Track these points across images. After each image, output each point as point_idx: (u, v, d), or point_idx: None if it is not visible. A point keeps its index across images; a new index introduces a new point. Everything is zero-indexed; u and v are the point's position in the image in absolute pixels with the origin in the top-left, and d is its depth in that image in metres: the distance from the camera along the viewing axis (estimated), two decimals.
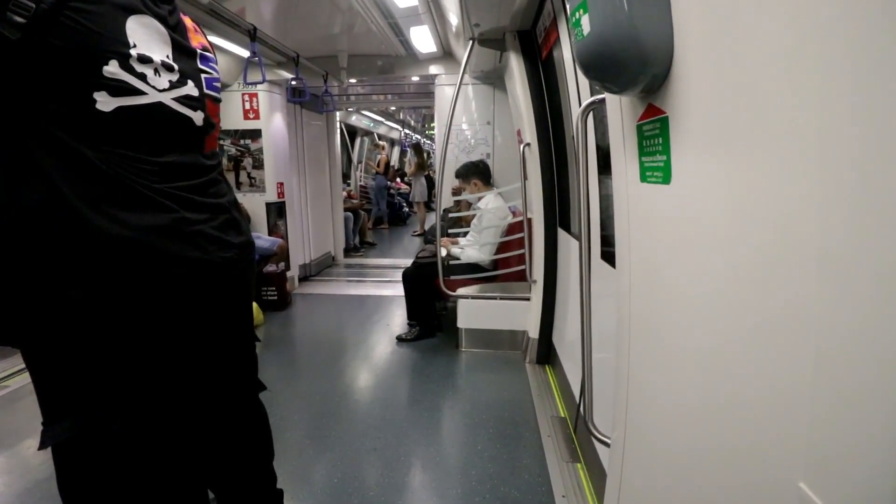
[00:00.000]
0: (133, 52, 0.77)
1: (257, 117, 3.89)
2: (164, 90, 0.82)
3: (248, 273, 1.00)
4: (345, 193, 6.23)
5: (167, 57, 0.83)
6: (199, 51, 0.93)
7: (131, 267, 0.76)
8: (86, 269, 0.74)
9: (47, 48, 0.68)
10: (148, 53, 0.79)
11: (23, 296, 0.73)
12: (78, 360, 0.77)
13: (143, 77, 0.78)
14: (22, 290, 0.73)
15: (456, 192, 3.70)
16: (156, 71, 0.80)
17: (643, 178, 0.78)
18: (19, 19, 0.65)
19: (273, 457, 1.19)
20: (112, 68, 0.73)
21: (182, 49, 0.87)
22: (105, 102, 0.73)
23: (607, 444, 1.04)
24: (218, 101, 0.98)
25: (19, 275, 0.73)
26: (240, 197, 3.75)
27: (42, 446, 0.78)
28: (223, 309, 0.95)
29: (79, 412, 0.79)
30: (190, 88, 0.87)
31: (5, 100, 0.69)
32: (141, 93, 0.78)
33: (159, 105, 0.81)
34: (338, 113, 5.76)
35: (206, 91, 0.92)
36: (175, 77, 0.84)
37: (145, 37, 0.79)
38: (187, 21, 0.93)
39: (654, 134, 0.73)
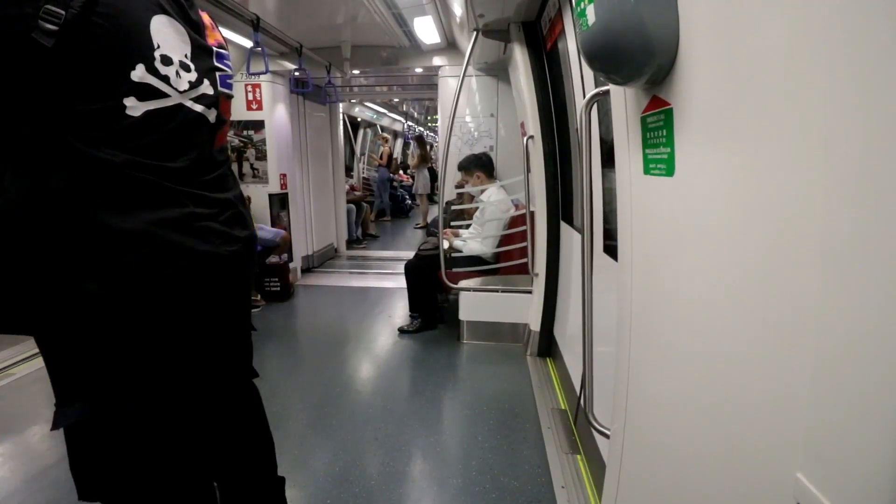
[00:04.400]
0: (157, 53, 0.77)
1: (260, 108, 3.88)
2: (184, 91, 0.82)
3: (250, 266, 1.02)
4: (347, 185, 6.22)
5: (185, 56, 0.83)
6: (215, 48, 0.93)
7: (143, 259, 0.78)
8: (100, 261, 0.75)
9: (79, 53, 0.69)
10: (169, 54, 0.79)
11: (39, 286, 0.75)
12: (92, 346, 0.79)
13: (166, 79, 0.79)
14: (38, 281, 0.75)
15: (459, 185, 3.69)
16: (177, 72, 0.81)
17: (647, 171, 0.78)
18: (51, 27, 0.65)
19: (273, 443, 1.20)
20: (139, 72, 0.75)
21: (200, 47, 0.87)
22: (134, 107, 0.75)
23: (607, 436, 1.05)
24: (230, 97, 0.99)
25: (36, 267, 0.74)
26: (242, 188, 3.76)
27: (55, 426, 0.80)
28: (225, 299, 0.97)
29: (91, 395, 0.81)
30: (206, 87, 0.88)
31: (33, 102, 0.69)
32: (165, 95, 0.79)
33: (180, 106, 0.82)
34: (341, 104, 5.74)
35: (220, 89, 0.93)
36: (193, 77, 0.84)
37: (167, 37, 0.80)
38: (205, 18, 0.94)
39: (658, 126, 0.72)
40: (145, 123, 0.76)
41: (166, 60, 0.79)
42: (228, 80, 0.96)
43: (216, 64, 0.93)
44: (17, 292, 0.75)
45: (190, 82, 0.84)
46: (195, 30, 0.88)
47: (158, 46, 0.78)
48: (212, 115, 0.90)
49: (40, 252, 0.73)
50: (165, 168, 0.80)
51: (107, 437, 0.84)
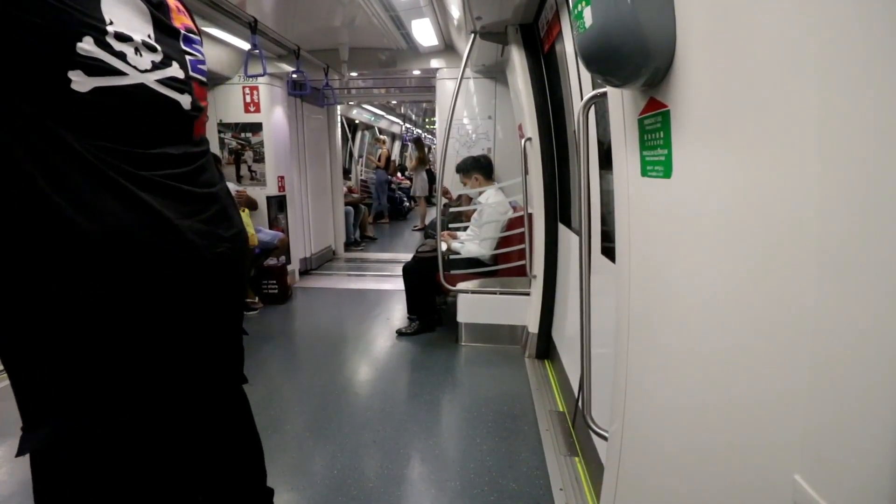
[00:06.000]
0: (110, 28, 0.72)
1: (258, 110, 3.87)
2: (146, 71, 0.77)
3: (240, 266, 0.95)
4: (345, 188, 6.22)
5: (148, 36, 0.78)
6: (182, 31, 0.88)
7: (113, 264, 0.72)
8: (64, 264, 0.70)
9: (13, 22, 0.63)
10: (127, 31, 0.74)
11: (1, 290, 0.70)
12: (57, 361, 0.73)
13: (122, 56, 0.73)
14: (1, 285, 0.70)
15: (446, 196, 3.65)
16: (136, 50, 0.75)
17: (644, 173, 0.78)
18: None
19: (262, 453, 1.15)
20: (87, 45, 0.68)
21: (164, 29, 0.82)
22: (80, 82, 0.68)
23: (605, 438, 1.05)
24: (204, 84, 0.93)
25: None
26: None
27: (20, 453, 0.75)
28: (213, 305, 0.91)
29: (60, 417, 0.75)
30: (175, 70, 0.82)
31: None
32: (120, 73, 0.73)
33: (142, 87, 0.76)
34: (338, 107, 5.73)
35: (191, 74, 0.88)
36: (158, 58, 0.79)
37: (124, 14, 0.74)
38: (170, 0, 0.88)
39: (655, 128, 0.73)
40: (96, 101, 0.71)
41: (122, 37, 0.73)
42: (200, 66, 0.91)
43: (184, 47, 0.87)
44: None
45: (153, 62, 0.79)
46: (158, 10, 0.83)
47: (111, 22, 0.72)
48: (185, 101, 0.85)
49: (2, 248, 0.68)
50: (137, 155, 0.75)
51: (76, 463, 0.77)
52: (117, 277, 0.73)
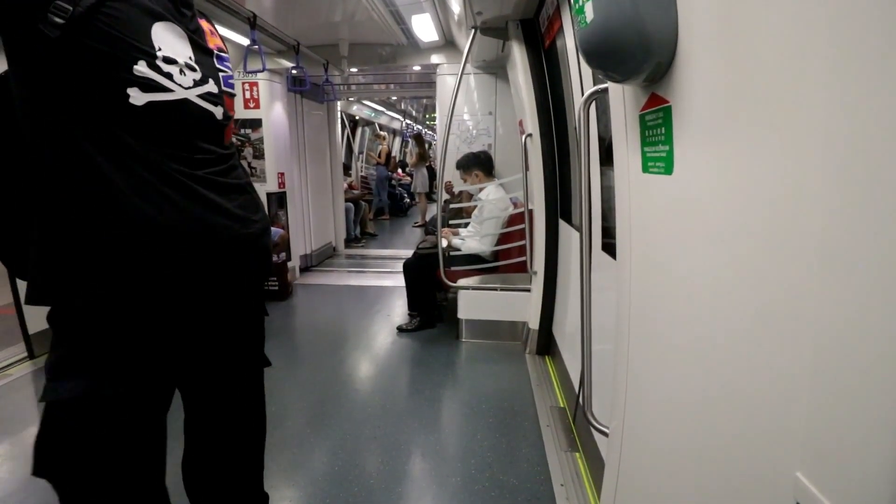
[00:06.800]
0: (159, 53, 0.85)
1: (257, 106, 3.86)
2: (188, 88, 0.90)
3: (268, 246, 1.09)
4: (346, 184, 6.21)
5: (190, 58, 0.92)
6: (215, 51, 1.01)
7: (172, 249, 0.85)
8: (133, 251, 0.83)
9: (83, 48, 0.76)
10: (172, 55, 0.88)
11: (73, 267, 0.81)
12: (103, 330, 0.84)
13: (169, 76, 0.86)
14: (73, 263, 0.81)
15: (449, 191, 3.68)
16: (181, 71, 0.89)
17: (645, 169, 0.78)
18: (58, 20, 0.74)
19: (262, 463, 1.19)
20: (141, 67, 0.82)
21: (202, 51, 0.96)
22: (137, 97, 0.82)
23: (605, 434, 1.05)
24: (233, 95, 1.07)
25: (71, 251, 0.81)
26: None
27: (43, 398, 0.84)
28: (245, 283, 1.03)
29: (92, 376, 0.84)
30: (211, 86, 0.96)
31: (55, 97, 0.77)
32: (168, 90, 0.86)
33: (185, 101, 0.90)
34: (339, 102, 5.72)
35: (223, 88, 1.01)
36: (198, 76, 0.93)
37: (169, 41, 0.88)
38: (204, 24, 1.03)
39: (656, 124, 0.72)
40: (149, 113, 0.84)
41: (169, 60, 0.87)
42: (230, 80, 1.06)
43: (217, 66, 1.01)
44: (63, 267, 0.82)
45: (195, 80, 0.92)
46: (196, 34, 0.96)
47: (160, 49, 0.86)
48: (218, 113, 0.97)
49: (73, 239, 0.81)
50: (184, 158, 0.88)
51: (91, 420, 0.84)
52: (173, 260, 0.86)
